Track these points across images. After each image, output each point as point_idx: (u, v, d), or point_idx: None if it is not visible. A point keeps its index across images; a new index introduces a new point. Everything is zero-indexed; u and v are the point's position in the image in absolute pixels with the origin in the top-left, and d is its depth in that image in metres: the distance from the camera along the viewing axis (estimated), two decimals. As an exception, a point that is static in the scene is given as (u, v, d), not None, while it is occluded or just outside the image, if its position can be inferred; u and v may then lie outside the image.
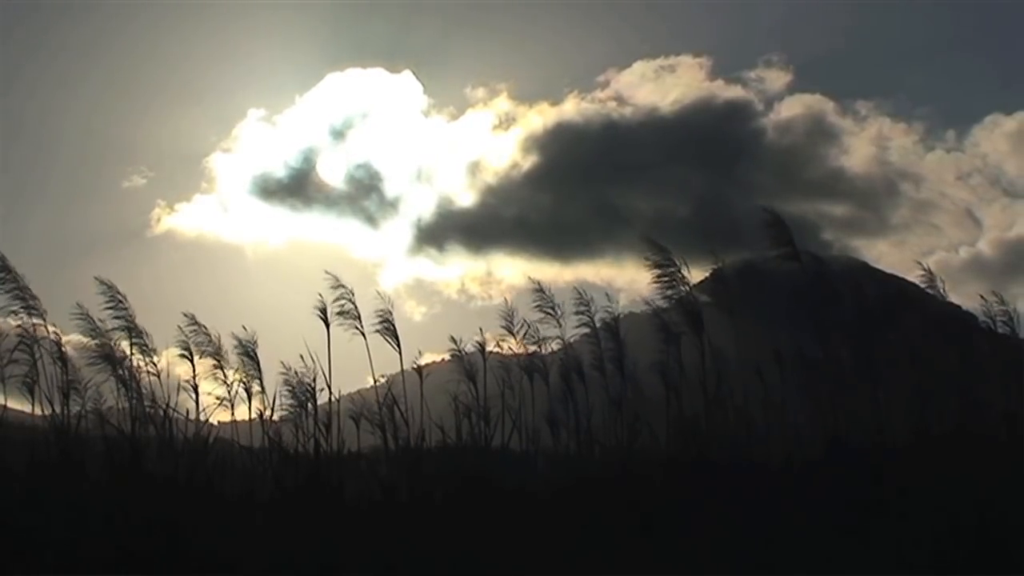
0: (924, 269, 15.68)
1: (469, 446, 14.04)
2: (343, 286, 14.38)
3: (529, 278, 15.15)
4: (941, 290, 15.66)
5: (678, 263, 14.87)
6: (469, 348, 14.89)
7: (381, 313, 14.41)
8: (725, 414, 14.33)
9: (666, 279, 14.80)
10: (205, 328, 14.10)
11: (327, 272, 14.55)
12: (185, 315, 14.15)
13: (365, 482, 13.78)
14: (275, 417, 13.99)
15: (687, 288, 14.88)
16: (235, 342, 14.06)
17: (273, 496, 13.51)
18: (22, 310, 13.66)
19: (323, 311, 14.37)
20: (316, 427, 13.81)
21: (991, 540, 12.26)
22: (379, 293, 14.69)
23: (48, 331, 13.66)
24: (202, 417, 13.90)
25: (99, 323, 13.82)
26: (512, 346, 14.83)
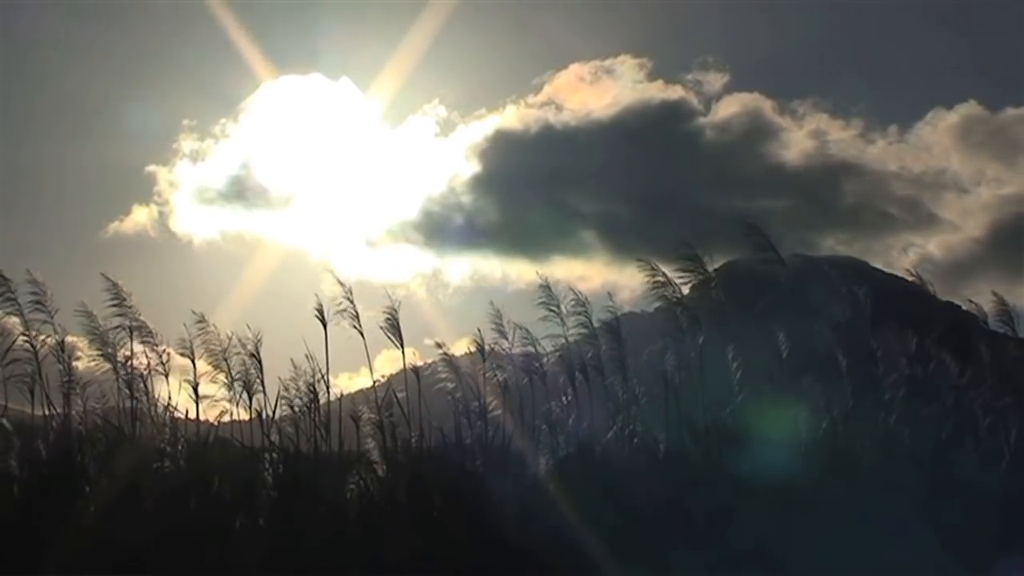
0: (914, 276, 15.72)
1: (468, 446, 14.07)
2: (341, 284, 14.39)
3: (537, 274, 15.14)
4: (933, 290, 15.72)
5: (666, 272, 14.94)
6: (465, 349, 14.92)
7: (387, 310, 14.41)
8: (722, 415, 14.36)
9: (660, 282, 14.85)
10: (213, 327, 14.07)
11: (326, 269, 14.56)
12: (194, 312, 14.13)
13: (364, 483, 13.78)
14: (275, 416, 13.99)
15: (684, 290, 14.92)
16: (238, 341, 14.03)
17: (273, 496, 13.53)
18: (18, 311, 13.68)
19: (320, 311, 14.34)
20: (315, 427, 13.82)
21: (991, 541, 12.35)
22: (387, 293, 14.70)
23: (55, 330, 13.69)
24: (202, 416, 13.93)
25: (102, 322, 13.85)
26: (505, 346, 14.80)
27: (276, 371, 14.16)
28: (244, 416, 14.17)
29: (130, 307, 13.98)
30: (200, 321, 14.04)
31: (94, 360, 13.89)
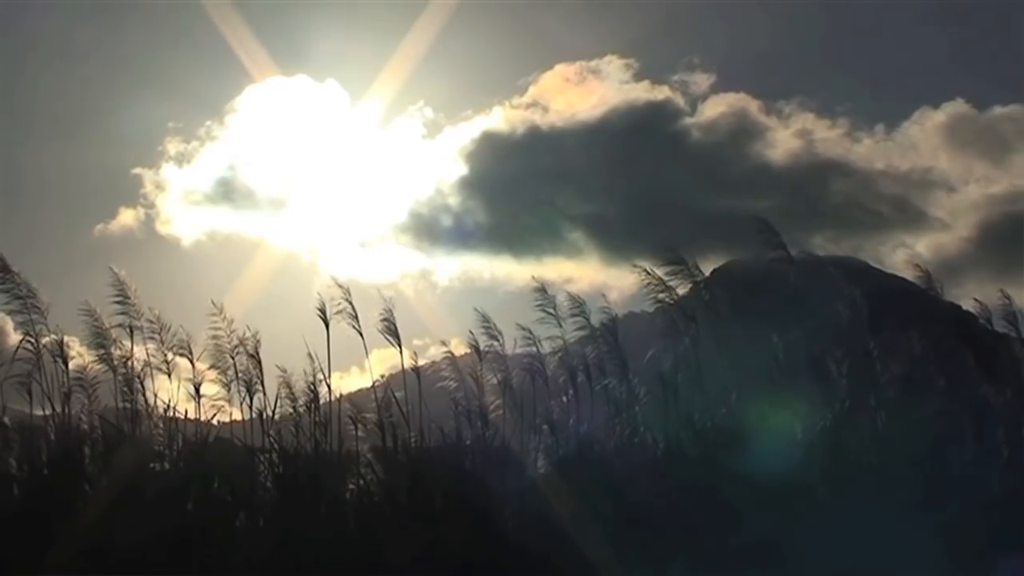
0: (922, 270, 15.71)
1: (468, 446, 14.08)
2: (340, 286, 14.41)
3: (533, 277, 15.15)
4: (939, 289, 15.70)
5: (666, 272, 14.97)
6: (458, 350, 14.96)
7: (383, 312, 14.43)
8: (721, 415, 14.38)
9: (655, 286, 14.88)
10: (225, 320, 14.07)
11: (325, 272, 14.63)
12: (213, 303, 14.13)
13: (364, 483, 13.79)
14: (275, 416, 13.99)
15: (680, 291, 14.95)
16: (238, 340, 14.03)
17: (273, 496, 13.53)
18: (23, 309, 13.70)
19: (322, 311, 14.35)
20: (315, 427, 13.82)
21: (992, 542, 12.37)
22: (380, 294, 14.72)
23: (49, 330, 13.70)
24: (202, 416, 13.93)
25: (103, 321, 13.86)
26: (497, 347, 14.81)
27: (269, 371, 14.21)
28: (243, 416, 14.18)
29: (133, 304, 14.01)
30: (213, 314, 14.05)
31: (93, 359, 13.90)
